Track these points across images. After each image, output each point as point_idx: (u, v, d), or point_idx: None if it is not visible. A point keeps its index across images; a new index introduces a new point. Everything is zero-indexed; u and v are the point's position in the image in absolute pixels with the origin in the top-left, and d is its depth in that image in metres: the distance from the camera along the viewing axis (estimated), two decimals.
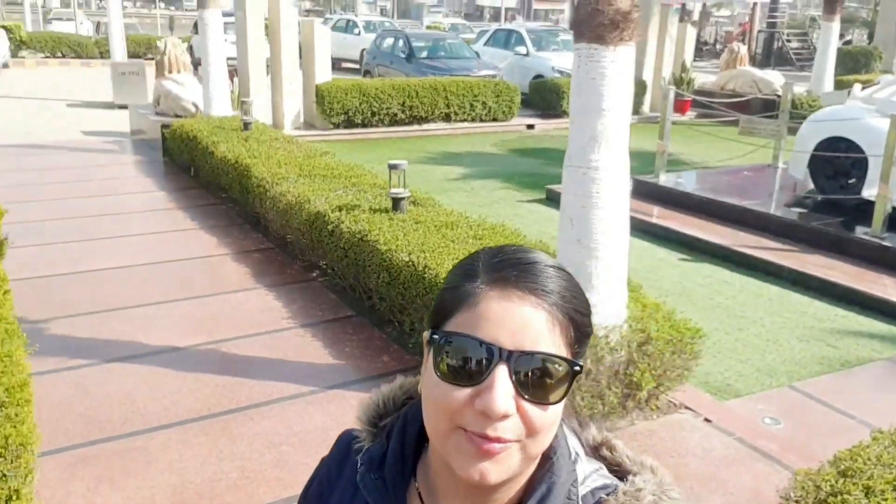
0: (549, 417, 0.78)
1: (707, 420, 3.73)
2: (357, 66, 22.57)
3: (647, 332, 3.63)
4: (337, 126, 12.43)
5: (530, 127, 13.90)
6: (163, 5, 53.74)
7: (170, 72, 10.25)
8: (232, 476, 3.21)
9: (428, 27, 35.28)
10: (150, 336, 4.54)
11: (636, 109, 14.03)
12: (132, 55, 17.86)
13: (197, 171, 8.16)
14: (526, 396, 0.76)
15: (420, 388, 0.84)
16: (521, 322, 0.76)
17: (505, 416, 0.75)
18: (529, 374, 0.76)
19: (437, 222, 5.00)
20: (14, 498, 2.56)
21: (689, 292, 5.68)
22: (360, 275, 4.91)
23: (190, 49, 18.39)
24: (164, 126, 9.12)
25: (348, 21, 27.03)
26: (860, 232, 6.43)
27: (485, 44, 19.27)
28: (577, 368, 0.80)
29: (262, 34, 11.60)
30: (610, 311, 3.63)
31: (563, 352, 0.79)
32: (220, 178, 7.37)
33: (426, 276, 4.19)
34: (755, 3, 28.49)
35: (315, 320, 4.90)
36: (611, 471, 0.88)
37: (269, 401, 3.83)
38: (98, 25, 31.15)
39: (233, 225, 6.85)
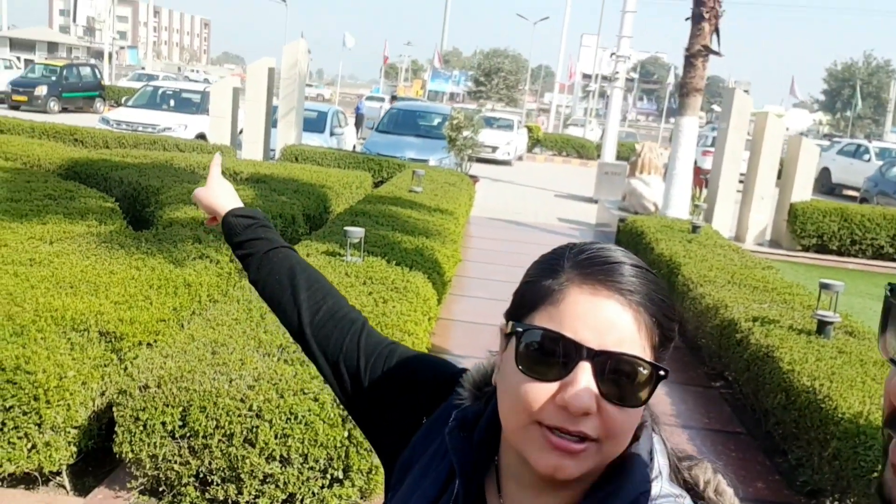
0: (630, 420, 0.77)
1: None
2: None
3: None
4: (806, 249, 11.54)
5: None
6: (671, 121, 57.59)
7: (640, 172, 10.92)
8: None
9: None
10: None
11: None
12: (621, 158, 19.43)
13: None
14: (608, 397, 0.75)
15: (495, 378, 0.85)
16: (607, 321, 0.76)
17: (586, 414, 0.74)
18: (613, 374, 0.75)
19: (864, 357, 4.33)
20: (374, 472, 3.09)
21: None
22: (759, 392, 4.53)
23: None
24: (621, 220, 9.72)
25: (859, 146, 24.85)
26: None
27: None
28: (662, 373, 0.77)
29: (742, 147, 11.55)
30: None
31: (648, 354, 0.78)
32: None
33: (825, 406, 3.67)
34: None
35: (698, 426, 4.66)
36: None
37: None
38: (603, 132, 34.71)
39: None
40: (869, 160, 22.40)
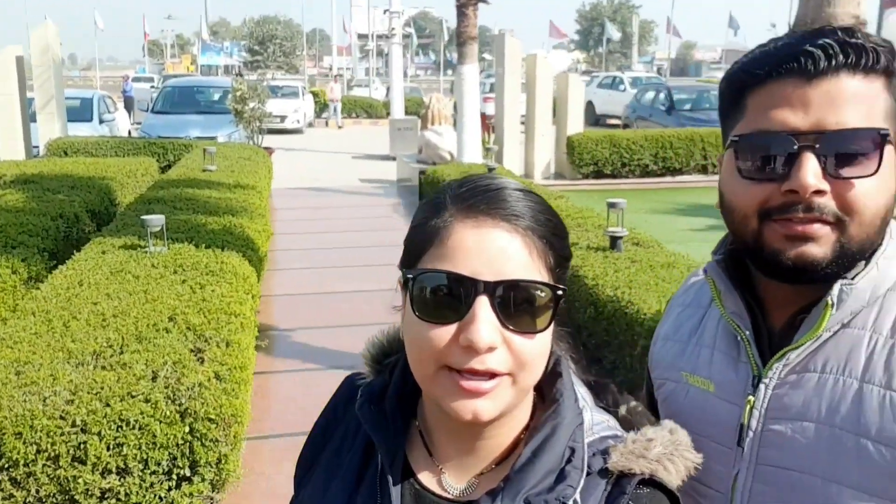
0: (538, 346, 0.75)
1: None
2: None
3: None
4: (586, 176, 12.54)
5: None
6: (450, 73, 59.46)
7: (432, 124, 11.21)
8: None
9: (699, 81, 34.24)
10: None
11: None
12: (410, 114, 19.77)
13: None
14: (510, 327, 0.73)
15: (402, 333, 0.82)
16: (497, 250, 0.73)
17: (491, 349, 0.72)
18: (512, 303, 0.73)
19: (652, 262, 4.85)
20: (223, 462, 2.99)
21: None
22: (570, 310, 4.92)
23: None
24: (422, 172, 9.95)
25: (614, 78, 27.22)
26: None
27: None
28: (560, 293, 0.76)
29: (519, 90, 12.22)
30: None
31: (544, 277, 0.75)
32: None
33: (628, 311, 4.09)
34: None
35: None
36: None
37: None
38: (388, 90, 35.03)
39: None
40: (624, 90, 24.67)
